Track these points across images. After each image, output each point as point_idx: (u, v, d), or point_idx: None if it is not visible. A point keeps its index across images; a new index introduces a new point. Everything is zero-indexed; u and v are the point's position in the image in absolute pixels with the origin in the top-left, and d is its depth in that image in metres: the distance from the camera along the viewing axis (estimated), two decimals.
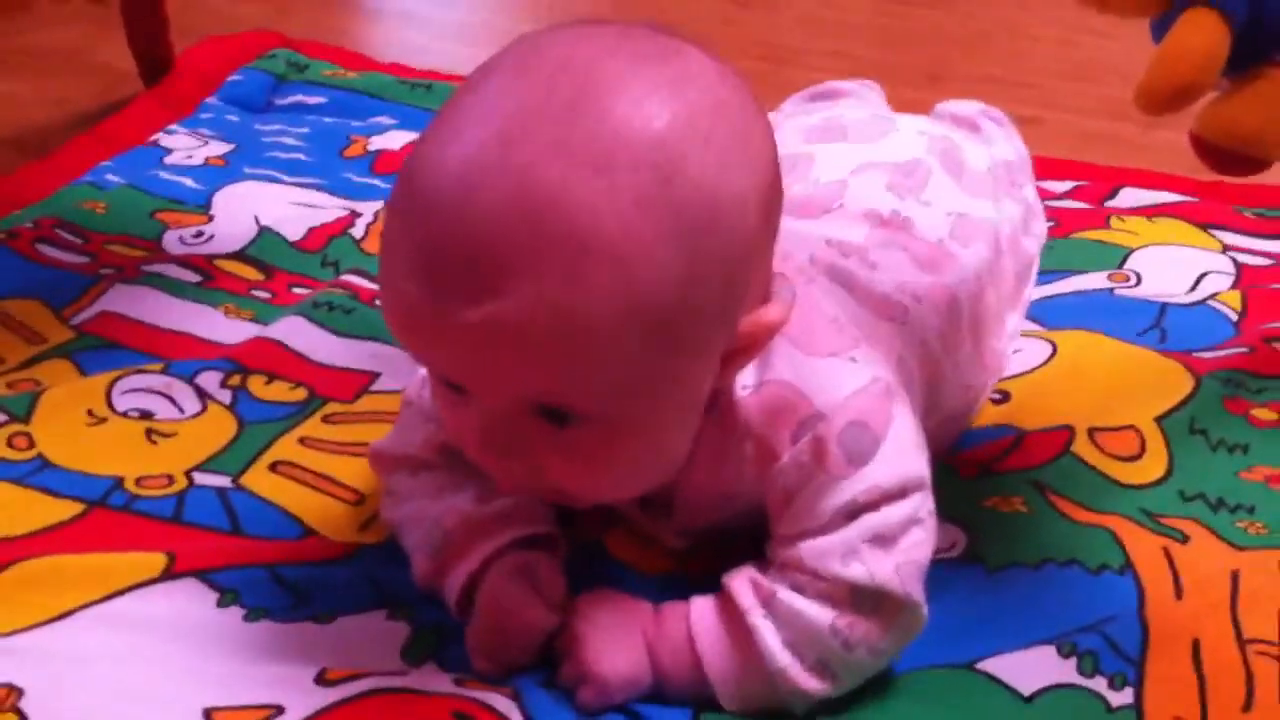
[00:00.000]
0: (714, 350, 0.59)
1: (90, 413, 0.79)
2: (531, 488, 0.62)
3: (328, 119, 1.19)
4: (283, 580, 0.68)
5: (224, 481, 0.75)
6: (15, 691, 0.59)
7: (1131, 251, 1.02)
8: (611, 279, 0.53)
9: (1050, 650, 0.66)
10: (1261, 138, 0.74)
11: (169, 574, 0.68)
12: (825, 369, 0.64)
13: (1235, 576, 0.71)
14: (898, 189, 0.75)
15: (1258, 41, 0.72)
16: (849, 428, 0.62)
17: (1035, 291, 0.93)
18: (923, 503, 0.63)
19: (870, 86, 0.98)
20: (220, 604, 0.66)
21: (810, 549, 0.62)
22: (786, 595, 0.61)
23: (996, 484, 0.77)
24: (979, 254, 0.75)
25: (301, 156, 1.12)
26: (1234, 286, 0.98)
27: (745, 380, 0.63)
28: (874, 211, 0.74)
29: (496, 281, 0.53)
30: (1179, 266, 1.01)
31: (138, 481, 0.74)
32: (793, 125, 0.83)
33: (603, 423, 0.58)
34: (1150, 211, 1.09)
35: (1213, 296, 0.97)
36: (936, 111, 0.94)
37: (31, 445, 0.76)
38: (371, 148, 1.14)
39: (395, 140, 1.15)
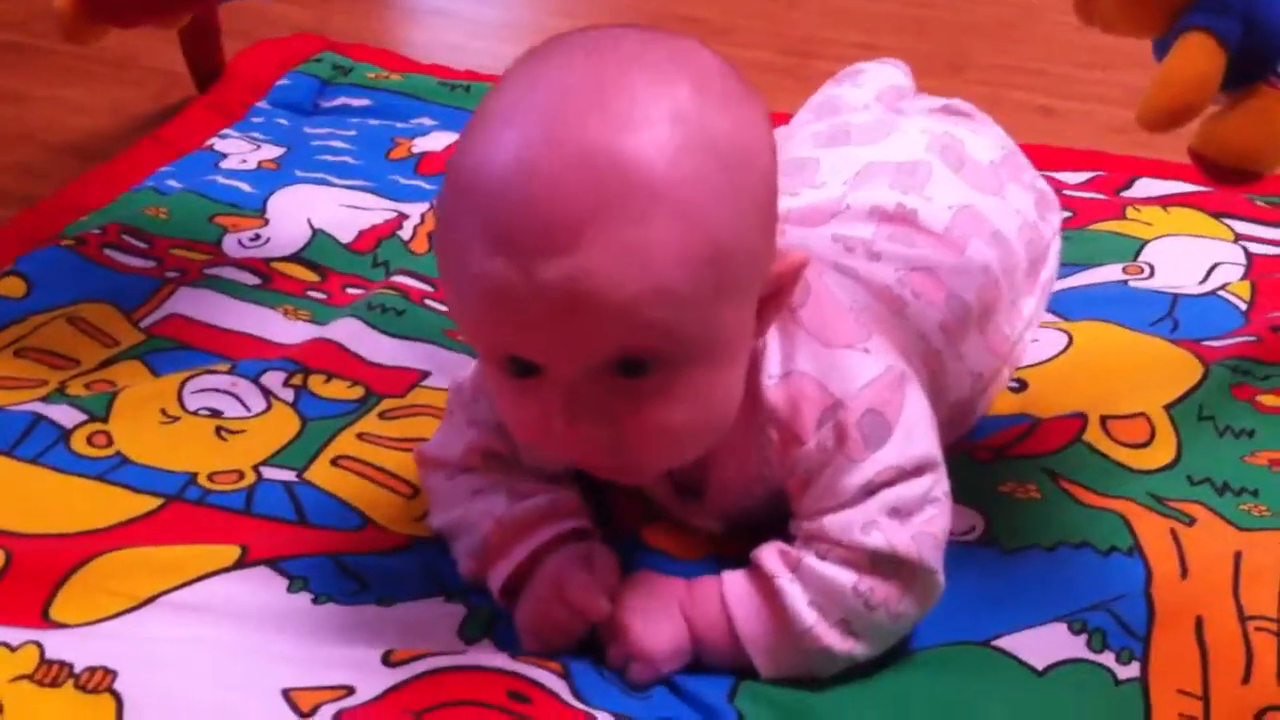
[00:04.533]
0: (755, 288, 0.64)
1: (164, 412, 0.83)
2: (605, 458, 0.65)
3: (372, 121, 1.23)
4: (346, 568, 0.72)
5: (290, 476, 0.80)
6: (110, 674, 0.64)
7: (1146, 243, 1.06)
8: (670, 216, 0.58)
9: (1062, 627, 0.70)
10: (1254, 153, 0.77)
11: (243, 563, 0.72)
12: (843, 360, 0.69)
13: (1238, 557, 0.74)
14: (901, 185, 0.80)
15: (1250, 62, 0.75)
16: (866, 414, 0.67)
17: (1054, 284, 0.96)
18: (936, 483, 0.68)
19: (894, 64, 1.02)
20: (290, 590, 0.71)
21: (833, 521, 0.67)
22: (811, 560, 0.66)
23: (1012, 469, 0.81)
24: (983, 245, 0.79)
25: (349, 159, 1.16)
26: (1245, 276, 1.02)
27: (771, 371, 0.68)
28: (879, 207, 0.79)
29: (571, 238, 0.58)
30: (1192, 257, 1.04)
31: (210, 477, 0.79)
32: (804, 134, 0.88)
33: (672, 363, 0.62)
34: (1165, 201, 1.12)
35: (1223, 287, 1.00)
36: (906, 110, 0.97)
37: (110, 443, 0.81)
38: (415, 150, 1.18)
39: (437, 142, 1.19)
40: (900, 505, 0.67)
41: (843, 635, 0.66)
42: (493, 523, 0.70)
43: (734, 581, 0.68)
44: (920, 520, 0.67)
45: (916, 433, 0.68)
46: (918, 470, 0.67)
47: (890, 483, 0.67)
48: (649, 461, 0.67)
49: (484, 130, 0.61)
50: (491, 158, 0.60)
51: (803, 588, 0.66)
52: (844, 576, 0.66)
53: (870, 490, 0.67)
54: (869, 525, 0.66)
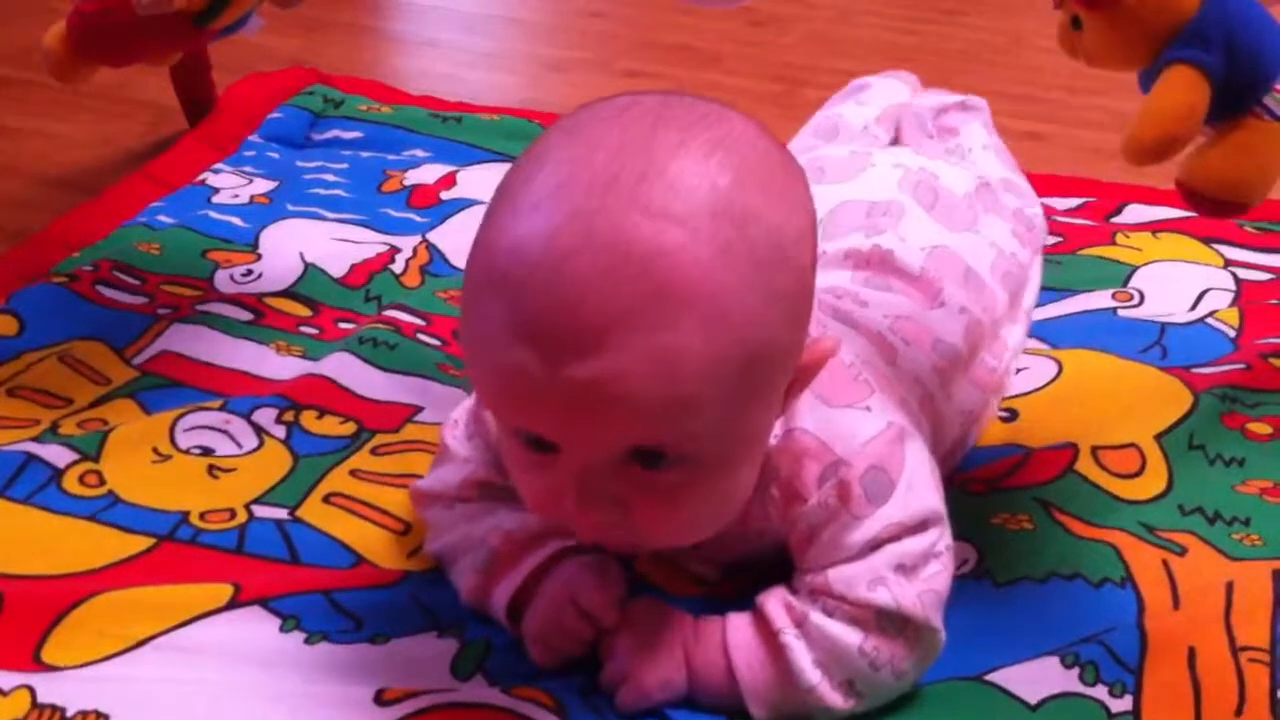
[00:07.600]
0: (783, 383, 0.64)
1: (156, 450, 0.83)
2: (615, 538, 0.66)
3: (364, 154, 1.23)
4: (339, 606, 0.72)
5: (282, 514, 0.79)
6: (102, 718, 0.64)
7: (1135, 269, 1.06)
8: (703, 322, 0.58)
9: (1054, 661, 0.69)
10: (1240, 184, 0.78)
11: (235, 603, 0.72)
12: (844, 419, 0.68)
13: (1230, 587, 0.74)
14: (874, 227, 0.80)
15: (1234, 94, 0.76)
16: (869, 471, 0.67)
17: (1043, 311, 0.96)
18: (940, 537, 0.68)
19: (899, 77, 1.02)
20: (282, 629, 0.71)
21: (838, 576, 0.66)
22: (818, 618, 0.66)
23: (1004, 501, 0.81)
24: (956, 287, 0.80)
25: (341, 193, 1.16)
26: (1234, 303, 1.02)
27: (775, 429, 0.68)
28: (854, 250, 0.79)
29: (598, 341, 0.57)
30: (1181, 284, 1.04)
31: (202, 516, 0.79)
32: None
33: (692, 461, 0.61)
34: (1154, 227, 1.13)
35: (1212, 314, 1.00)
36: (914, 108, 0.98)
37: (102, 482, 0.80)
38: (407, 182, 1.18)
39: (428, 174, 1.19)
40: (905, 561, 0.66)
41: (845, 696, 0.66)
42: (502, 535, 0.70)
43: (738, 627, 0.67)
44: (925, 575, 0.67)
45: (919, 487, 0.68)
46: (921, 525, 0.67)
47: (895, 538, 0.66)
48: (658, 544, 0.68)
49: (517, 210, 0.60)
50: (522, 242, 0.59)
51: (808, 645, 0.66)
52: (851, 637, 0.65)
53: (875, 545, 0.66)
54: (875, 582, 0.66)
